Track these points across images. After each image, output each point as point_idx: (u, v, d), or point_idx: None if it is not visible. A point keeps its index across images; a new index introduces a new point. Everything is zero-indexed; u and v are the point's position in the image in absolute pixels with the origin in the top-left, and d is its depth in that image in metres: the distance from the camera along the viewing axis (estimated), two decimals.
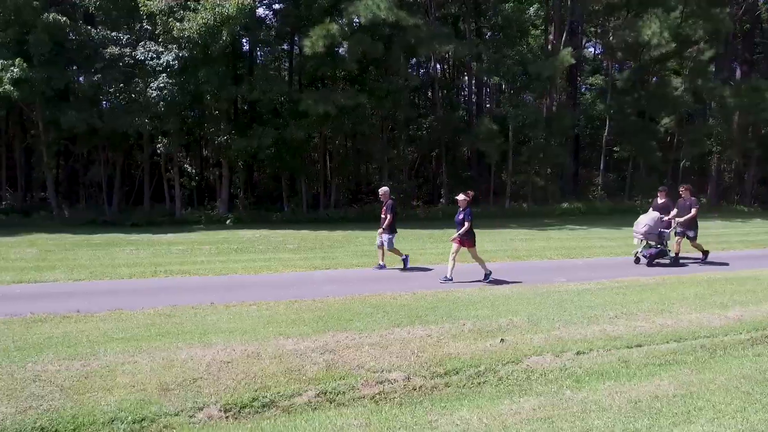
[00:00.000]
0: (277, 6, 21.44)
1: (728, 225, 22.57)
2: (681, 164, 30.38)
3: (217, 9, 17.46)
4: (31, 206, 22.84)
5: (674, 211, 12.53)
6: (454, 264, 10.31)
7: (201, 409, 5.21)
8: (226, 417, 5.14)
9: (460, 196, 10.45)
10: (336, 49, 19.68)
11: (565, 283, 10.50)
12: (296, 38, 21.90)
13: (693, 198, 12.65)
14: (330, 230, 19.32)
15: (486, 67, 22.21)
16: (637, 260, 12.59)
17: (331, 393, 5.59)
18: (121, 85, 18.79)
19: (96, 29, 19.40)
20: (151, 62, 18.70)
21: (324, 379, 5.85)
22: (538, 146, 24.30)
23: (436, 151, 26.70)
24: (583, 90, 36.98)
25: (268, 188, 27.18)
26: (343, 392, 5.64)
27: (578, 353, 6.66)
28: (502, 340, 7.05)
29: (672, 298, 9.25)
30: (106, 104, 18.86)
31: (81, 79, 18.82)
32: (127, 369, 5.90)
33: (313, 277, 11.12)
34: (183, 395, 5.42)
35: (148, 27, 19.12)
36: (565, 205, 26.57)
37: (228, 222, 21.72)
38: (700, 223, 13.20)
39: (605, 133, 28.91)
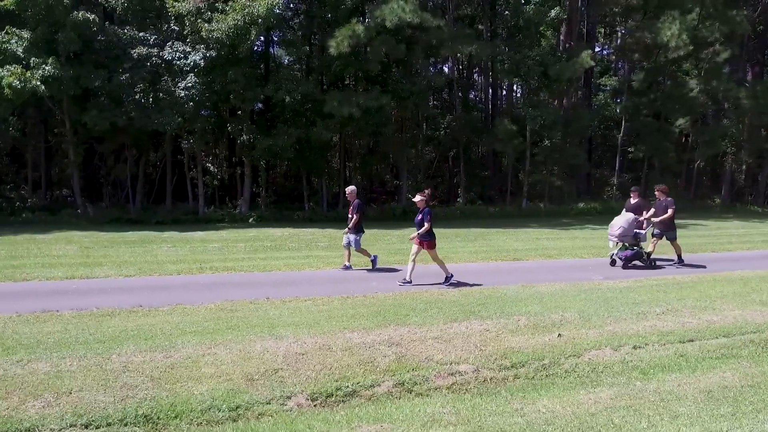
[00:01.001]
0: (295, 7, 21.56)
1: (746, 225, 22.76)
2: (695, 165, 30.59)
3: (246, 9, 17.70)
4: (54, 204, 23.10)
5: (651, 211, 12.42)
6: (413, 266, 9.99)
7: (289, 397, 5.45)
8: (314, 405, 5.38)
9: (417, 197, 10.08)
10: (359, 50, 19.85)
11: (603, 281, 10.72)
12: (315, 39, 22.13)
13: (669, 198, 12.43)
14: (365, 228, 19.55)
15: (507, 68, 22.44)
16: (613, 263, 12.26)
17: (407, 383, 5.82)
18: (148, 84, 19.02)
19: (123, 29, 19.63)
20: (178, 62, 18.95)
21: (397, 370, 6.07)
22: (556, 146, 24.51)
23: (454, 151, 26.92)
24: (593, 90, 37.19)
25: (287, 187, 27.42)
26: (419, 383, 5.87)
27: (635, 347, 6.87)
28: (559, 335, 7.27)
29: (712, 295, 9.47)
30: (132, 103, 19.01)
31: (108, 78, 19.02)
32: (209, 360, 6.14)
33: (353, 275, 11.34)
34: (269, 385, 5.65)
35: (175, 27, 19.35)
36: (581, 204, 26.78)
37: (251, 220, 21.97)
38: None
39: (620, 134, 29.10)
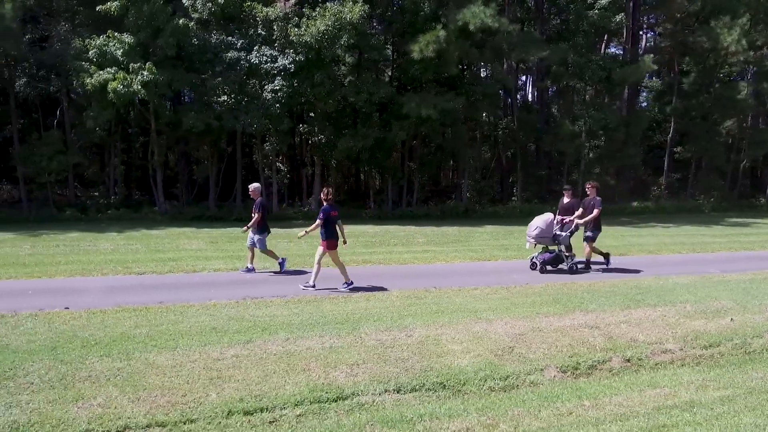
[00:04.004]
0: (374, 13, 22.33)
1: None
2: (741, 165, 31.23)
3: (337, 15, 18.49)
4: (130, 202, 23.95)
5: (579, 211, 11.50)
6: (318, 268, 9.45)
7: (542, 370, 6.22)
8: (566, 376, 6.14)
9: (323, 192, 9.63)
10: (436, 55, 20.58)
11: (722, 273, 11.45)
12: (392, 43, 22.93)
13: (598, 198, 11.47)
14: (435, 226, 20.37)
15: (571, 72, 23.17)
16: (533, 266, 11.41)
17: (633, 359, 6.59)
18: (238, 87, 19.83)
19: (211, 34, 20.45)
20: (265, 66, 19.75)
21: (614, 348, 6.84)
22: (617, 147, 25.22)
23: (511, 150, 27.68)
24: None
25: (351, 186, 28.24)
26: (641, 359, 6.64)
27: None
28: (732, 319, 8.02)
29: None
30: (221, 105, 19.84)
31: (201, 82, 19.85)
32: (447, 339, 6.92)
33: (485, 267, 12.11)
34: (515, 359, 6.43)
35: (262, 32, 20.15)
36: (635, 203, 27.47)
37: None
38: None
39: (669, 135, 29.75)
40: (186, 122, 19.16)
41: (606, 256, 11.92)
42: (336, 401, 5.27)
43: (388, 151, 23.02)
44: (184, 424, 4.81)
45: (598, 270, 11.69)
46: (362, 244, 15.33)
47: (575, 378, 6.10)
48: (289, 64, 19.32)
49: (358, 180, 28.04)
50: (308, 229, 9.58)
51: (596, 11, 22.73)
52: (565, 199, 12.01)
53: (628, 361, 6.57)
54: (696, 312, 8.36)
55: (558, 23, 27.59)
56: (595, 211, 11.29)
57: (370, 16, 20.20)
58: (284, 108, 20.03)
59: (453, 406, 5.18)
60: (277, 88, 19.50)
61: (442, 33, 18.92)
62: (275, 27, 19.57)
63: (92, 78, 17.72)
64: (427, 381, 5.73)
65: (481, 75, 25.41)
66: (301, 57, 19.35)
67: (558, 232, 11.25)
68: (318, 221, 9.34)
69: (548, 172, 28.31)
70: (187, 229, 18.10)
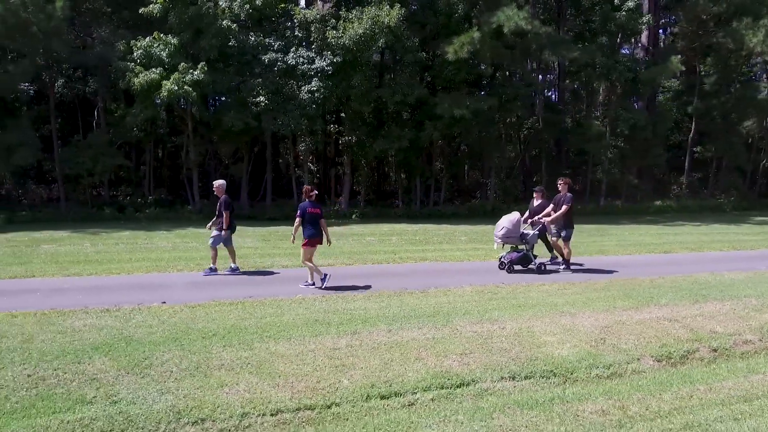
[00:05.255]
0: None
1: None
2: (761, 164, 31.57)
3: (375, 18, 18.86)
4: (167, 201, 24.33)
5: (549, 207, 11.24)
6: (313, 266, 9.44)
7: (638, 359, 6.56)
8: (662, 365, 6.48)
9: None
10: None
11: None
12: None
13: (569, 194, 11.12)
14: (467, 224, 20.73)
15: (598, 72, 23.52)
16: (502, 265, 11.20)
17: (719, 350, 6.92)
18: (276, 87, 20.21)
19: (248, 36, 20.85)
20: (302, 67, 20.13)
21: (699, 339, 7.17)
22: (641, 146, 25.58)
23: (535, 150, 28.06)
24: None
25: (380, 186, 28.63)
26: (726, 348, 6.98)
27: None
28: None
29: None
30: (259, 105, 20.22)
31: (241, 82, 20.23)
32: (538, 330, 7.26)
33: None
34: (610, 350, 6.76)
35: (299, 34, 20.52)
36: (657, 202, 27.82)
37: (354, 217, 23.13)
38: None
39: (690, 134, 30.10)
40: (226, 122, 19.55)
41: (566, 260, 11.43)
42: (460, 387, 5.61)
43: (419, 151, 23.38)
44: (329, 407, 5.14)
45: (561, 269, 11.37)
46: (408, 242, 15.71)
47: (672, 366, 6.43)
48: (327, 65, 19.67)
49: (384, 179, 28.41)
50: (293, 232, 9.44)
51: (623, 13, 23.07)
52: (536, 201, 11.71)
53: (715, 350, 6.90)
54: (762, 306, 8.69)
55: (580, 24, 27.89)
56: (564, 207, 10.94)
57: (405, 18, 20.54)
58: (320, 109, 20.40)
59: (575, 391, 5.52)
60: (314, 88, 19.87)
61: (477, 35, 19.26)
62: (312, 29, 19.92)
63: (139, 78, 18.09)
64: (536, 369, 6.06)
65: (509, 75, 25.73)
66: (338, 59, 19.71)
67: (525, 231, 11.06)
68: (297, 219, 9.24)
69: (571, 172, 28.66)
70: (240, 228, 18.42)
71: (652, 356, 6.62)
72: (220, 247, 10.50)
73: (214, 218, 10.45)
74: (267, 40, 20.59)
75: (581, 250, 14.01)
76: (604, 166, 26.80)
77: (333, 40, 19.39)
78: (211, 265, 10.35)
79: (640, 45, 30.02)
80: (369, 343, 6.63)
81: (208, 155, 24.84)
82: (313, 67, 19.97)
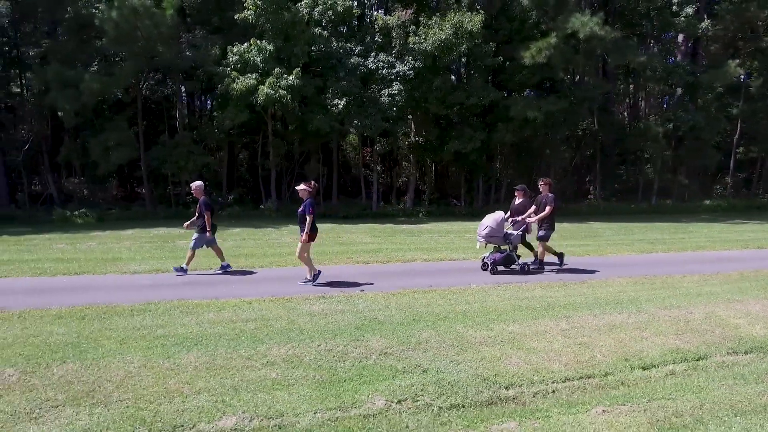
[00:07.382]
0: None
1: None
2: None
3: (458, 25, 19.75)
4: (248, 199, 25.28)
5: (532, 209, 11.21)
6: (310, 262, 9.54)
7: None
8: None
9: (302, 186, 9.35)
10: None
11: None
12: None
13: (551, 194, 11.14)
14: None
15: (658, 76, 24.40)
16: (485, 266, 11.11)
17: None
18: (359, 91, 21.12)
19: (331, 41, 21.76)
20: (382, 71, 21.04)
21: None
22: (694, 147, 26.47)
23: (590, 150, 28.94)
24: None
25: (441, 184, 29.53)
26: None
27: None
28: None
29: None
30: (341, 108, 21.10)
31: (326, 86, 21.13)
32: (723, 315, 8.09)
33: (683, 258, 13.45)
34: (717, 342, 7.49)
35: (379, 39, 21.44)
36: (707, 202, 28.66)
37: (420, 215, 24.02)
38: None
39: (736, 135, 30.94)
40: (314, 124, 20.45)
41: (560, 256, 11.67)
42: (698, 360, 6.43)
43: (488, 151, 24.27)
44: (605, 376, 5.92)
45: (551, 270, 11.39)
46: None
47: None
48: (408, 70, 20.56)
49: (445, 179, 29.32)
50: (306, 230, 9.24)
51: (683, 18, 23.95)
52: (517, 200, 11.61)
53: None
54: None
55: (632, 27, 28.74)
56: (547, 209, 10.97)
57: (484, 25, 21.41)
58: (401, 111, 21.30)
59: None
60: (395, 92, 20.76)
61: (553, 40, 20.12)
62: (393, 34, 20.80)
63: (237, 83, 19.01)
64: (750, 346, 6.89)
65: (576, 80, 26.67)
66: (419, 63, 20.59)
67: (509, 232, 11.01)
68: (309, 218, 9.16)
69: (624, 171, 29.55)
70: (328, 225, 19.19)
71: None
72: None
73: (194, 218, 10.41)
74: (348, 45, 21.50)
75: (680, 246, 14.85)
76: (657, 166, 27.64)
77: (415, 45, 20.28)
78: (183, 265, 10.31)
79: (682, 48, 30.89)
80: (589, 326, 7.44)
81: (281, 156, 25.73)
82: (393, 71, 20.87)
